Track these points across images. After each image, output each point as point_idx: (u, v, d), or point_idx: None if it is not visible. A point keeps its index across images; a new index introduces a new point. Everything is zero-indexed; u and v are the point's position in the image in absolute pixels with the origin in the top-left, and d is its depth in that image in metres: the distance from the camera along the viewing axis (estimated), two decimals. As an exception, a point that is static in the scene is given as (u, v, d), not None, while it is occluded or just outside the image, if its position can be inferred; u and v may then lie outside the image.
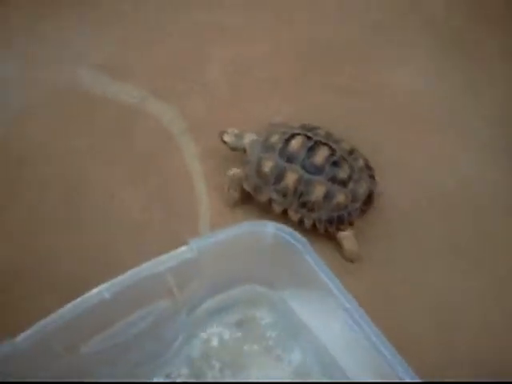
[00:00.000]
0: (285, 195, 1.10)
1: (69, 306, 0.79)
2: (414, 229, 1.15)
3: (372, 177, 1.12)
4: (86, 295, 0.80)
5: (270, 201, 1.11)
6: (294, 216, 1.11)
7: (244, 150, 1.17)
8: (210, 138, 1.23)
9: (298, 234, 0.84)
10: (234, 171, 1.16)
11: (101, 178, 1.24)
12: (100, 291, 0.80)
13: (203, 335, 0.94)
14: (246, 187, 1.14)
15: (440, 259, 1.11)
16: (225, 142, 1.20)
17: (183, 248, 0.84)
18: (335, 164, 1.08)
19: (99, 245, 1.12)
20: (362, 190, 1.10)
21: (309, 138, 1.10)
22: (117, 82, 1.39)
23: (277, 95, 1.35)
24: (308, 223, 1.10)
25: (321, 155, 1.08)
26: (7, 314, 1.06)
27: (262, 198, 1.12)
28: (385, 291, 1.06)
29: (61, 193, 1.22)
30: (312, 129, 1.13)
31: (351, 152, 1.12)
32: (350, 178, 1.09)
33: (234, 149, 1.20)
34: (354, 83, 1.38)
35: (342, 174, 1.08)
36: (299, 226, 1.11)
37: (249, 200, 1.17)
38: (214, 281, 0.91)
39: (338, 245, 1.12)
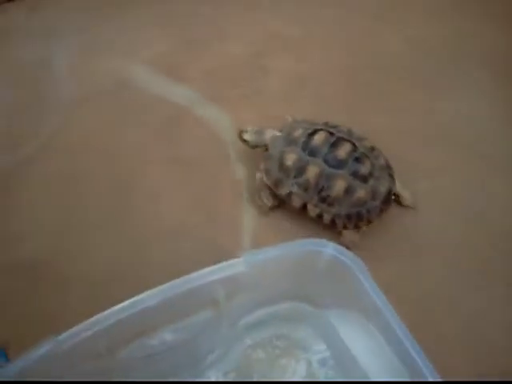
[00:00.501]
0: (306, 189, 1.10)
1: (114, 309, 0.78)
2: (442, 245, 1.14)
3: (391, 176, 1.12)
4: (133, 300, 0.78)
5: (290, 194, 1.11)
6: (312, 211, 1.11)
7: (265, 147, 1.17)
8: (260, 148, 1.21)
9: (356, 258, 0.82)
10: (258, 177, 1.17)
11: (146, 176, 1.24)
12: (146, 297, 0.79)
13: (241, 349, 0.93)
14: (267, 181, 1.14)
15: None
16: (245, 141, 1.20)
17: (236, 260, 0.82)
18: (357, 160, 1.08)
19: (138, 244, 1.13)
20: (383, 188, 1.10)
21: (331, 133, 1.11)
22: (171, 81, 1.39)
23: (328, 110, 1.34)
24: (327, 218, 1.10)
25: (343, 150, 1.08)
26: (46, 308, 1.08)
27: (283, 191, 1.12)
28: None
29: (105, 186, 1.23)
30: (334, 126, 1.14)
31: (372, 150, 1.12)
32: (371, 174, 1.09)
33: (254, 146, 1.20)
34: (405, 106, 1.38)
35: (364, 169, 1.08)
36: (317, 221, 1.11)
37: (283, 206, 1.18)
38: (261, 295, 0.90)
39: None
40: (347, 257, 0.83)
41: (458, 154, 1.26)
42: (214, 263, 1.00)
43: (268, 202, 1.17)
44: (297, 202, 1.12)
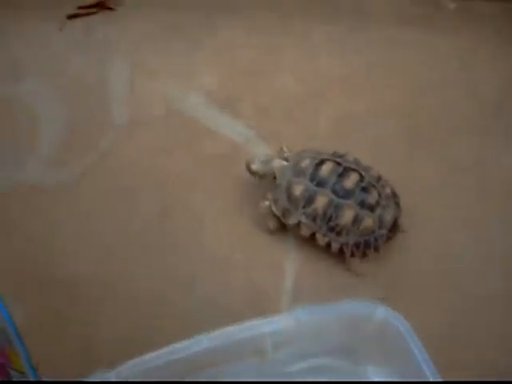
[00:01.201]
0: (314, 219, 1.13)
1: (166, 350, 0.80)
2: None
3: (398, 204, 1.16)
4: (184, 343, 0.81)
5: (299, 224, 1.14)
6: (321, 240, 1.14)
7: (273, 177, 1.20)
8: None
9: (407, 323, 0.84)
10: (264, 205, 1.20)
11: (192, 204, 1.27)
12: (196, 341, 0.82)
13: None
14: (275, 211, 1.17)
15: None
16: (253, 172, 1.22)
17: (287, 315, 0.84)
18: (364, 189, 1.12)
19: (179, 275, 1.17)
20: (389, 216, 1.14)
21: (338, 163, 1.14)
22: (224, 114, 1.40)
23: (380, 153, 1.34)
24: (335, 247, 1.14)
25: (351, 180, 1.12)
26: (82, 330, 1.12)
27: (291, 221, 1.15)
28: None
29: (151, 211, 1.26)
30: (341, 155, 1.18)
31: (379, 179, 1.16)
32: (377, 203, 1.13)
33: (262, 176, 1.22)
34: (458, 158, 1.36)
35: (371, 199, 1.12)
36: (326, 249, 1.15)
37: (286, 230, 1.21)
38: (306, 349, 0.91)
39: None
40: (397, 320, 0.85)
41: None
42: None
43: (272, 226, 1.21)
44: (305, 232, 1.15)
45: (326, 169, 1.14)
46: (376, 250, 1.15)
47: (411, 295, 1.15)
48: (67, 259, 1.20)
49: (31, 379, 1.05)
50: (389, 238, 1.15)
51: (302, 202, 1.14)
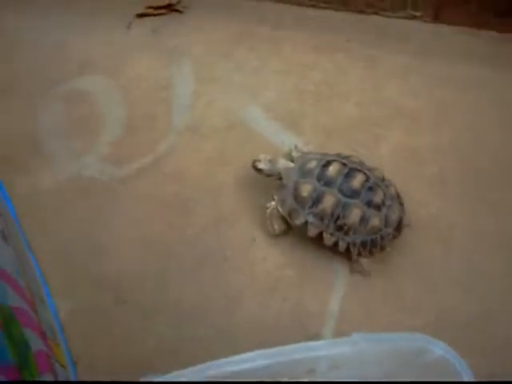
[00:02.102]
0: (322, 218, 1.17)
1: (215, 363, 0.80)
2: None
3: (402, 204, 1.20)
4: (235, 358, 0.81)
5: (306, 224, 1.18)
6: (328, 239, 1.18)
7: (279, 177, 1.24)
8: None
9: (464, 361, 0.83)
10: (270, 206, 1.24)
11: (244, 216, 1.29)
12: (249, 358, 0.81)
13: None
14: (282, 211, 1.21)
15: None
16: (259, 170, 1.26)
17: (344, 339, 0.84)
18: (370, 189, 1.16)
19: (226, 291, 1.20)
20: (395, 215, 1.17)
21: (344, 164, 1.19)
22: (285, 130, 1.40)
23: (437, 194, 1.33)
24: (342, 246, 1.18)
25: (357, 180, 1.16)
26: (124, 329, 1.16)
27: (298, 221, 1.19)
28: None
29: (201, 220, 1.30)
30: (346, 157, 1.22)
31: (383, 179, 1.20)
32: (383, 203, 1.17)
33: (268, 175, 1.26)
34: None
35: (377, 198, 1.16)
36: (333, 248, 1.19)
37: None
38: (358, 375, 0.91)
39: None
40: (454, 357, 0.84)
41: None
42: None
43: (277, 229, 1.24)
44: (313, 232, 1.19)
45: (332, 169, 1.18)
46: (382, 248, 1.18)
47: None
48: (117, 258, 1.23)
49: (71, 373, 1.06)
50: (394, 237, 1.19)
51: (309, 202, 1.18)
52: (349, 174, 1.17)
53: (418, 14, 1.62)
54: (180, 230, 1.27)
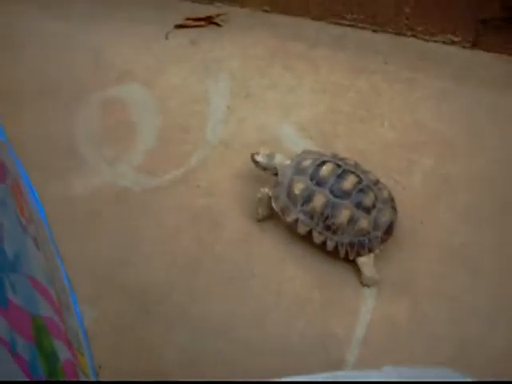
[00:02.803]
0: (311, 217, 1.20)
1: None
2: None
3: (394, 208, 1.22)
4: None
5: (297, 221, 1.22)
6: (317, 238, 1.21)
7: (275, 173, 1.28)
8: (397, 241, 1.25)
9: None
10: (263, 192, 1.27)
11: (276, 236, 1.30)
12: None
13: None
14: (275, 207, 1.25)
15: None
16: (256, 163, 1.30)
17: (375, 372, 0.84)
18: (361, 191, 1.19)
19: (254, 309, 1.21)
20: (385, 218, 1.20)
21: (339, 165, 1.21)
22: (319, 149, 1.40)
23: (470, 224, 1.31)
24: (330, 245, 1.20)
25: (349, 182, 1.19)
26: (148, 340, 1.18)
27: (289, 218, 1.23)
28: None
29: (231, 235, 1.31)
30: (342, 158, 1.25)
31: (377, 183, 1.22)
32: (373, 206, 1.19)
33: (264, 169, 1.30)
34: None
35: (367, 201, 1.19)
36: (321, 248, 1.22)
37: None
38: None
39: (357, 269, 1.22)
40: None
41: None
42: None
43: (261, 214, 1.29)
44: (302, 229, 1.22)
45: (326, 169, 1.21)
46: (370, 250, 1.20)
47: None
48: (144, 269, 1.24)
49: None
50: (383, 240, 1.21)
51: (300, 200, 1.21)
52: (341, 175, 1.20)
53: (456, 39, 1.62)
54: (209, 244, 1.28)
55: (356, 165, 1.24)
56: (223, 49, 1.66)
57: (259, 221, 1.30)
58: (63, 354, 0.87)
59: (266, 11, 1.70)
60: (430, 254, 1.25)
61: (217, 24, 1.70)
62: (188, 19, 1.69)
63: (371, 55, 1.63)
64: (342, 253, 1.20)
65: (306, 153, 1.29)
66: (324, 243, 1.21)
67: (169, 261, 1.25)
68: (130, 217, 1.32)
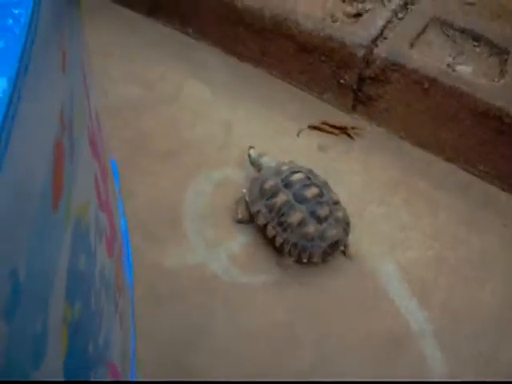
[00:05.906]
0: (270, 211, 1.36)
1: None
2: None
3: (346, 231, 1.36)
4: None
5: (259, 213, 1.38)
6: (270, 231, 1.36)
7: (259, 169, 1.46)
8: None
9: None
10: (243, 192, 1.45)
11: (350, 367, 1.30)
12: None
13: None
14: (247, 197, 1.42)
15: None
16: (249, 155, 1.50)
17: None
18: (319, 203, 1.35)
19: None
20: (332, 234, 1.33)
21: (309, 178, 1.38)
22: (412, 299, 1.40)
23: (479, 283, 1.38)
24: (278, 241, 1.35)
25: (311, 192, 1.36)
26: None
27: (254, 208, 1.39)
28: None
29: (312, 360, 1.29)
30: (315, 175, 1.41)
31: (337, 203, 1.38)
32: (326, 219, 1.33)
33: (252, 163, 1.50)
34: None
35: (321, 212, 1.34)
36: (271, 242, 1.36)
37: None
38: None
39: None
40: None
41: None
42: None
43: (240, 214, 1.45)
44: (261, 221, 1.38)
45: (297, 176, 1.38)
46: (310, 257, 1.33)
47: None
48: (210, 365, 1.25)
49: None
50: (326, 253, 1.34)
51: (267, 195, 1.38)
52: (307, 185, 1.37)
53: None
54: (285, 362, 1.27)
55: (325, 183, 1.41)
56: (347, 162, 1.66)
57: (238, 222, 1.45)
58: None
59: (401, 137, 1.71)
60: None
61: (350, 136, 1.72)
62: (324, 123, 1.72)
63: (492, 213, 1.60)
64: (287, 250, 1.34)
65: (291, 162, 1.46)
66: (274, 238, 1.36)
67: (238, 367, 1.25)
68: (211, 305, 1.34)
